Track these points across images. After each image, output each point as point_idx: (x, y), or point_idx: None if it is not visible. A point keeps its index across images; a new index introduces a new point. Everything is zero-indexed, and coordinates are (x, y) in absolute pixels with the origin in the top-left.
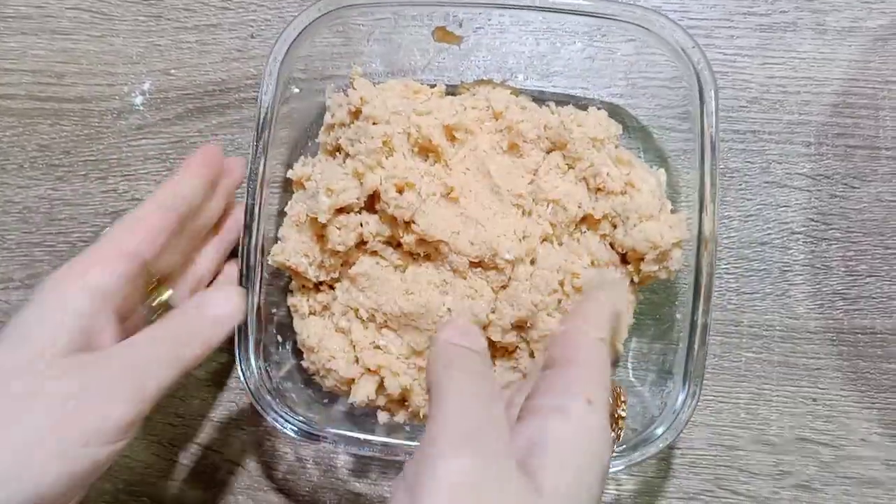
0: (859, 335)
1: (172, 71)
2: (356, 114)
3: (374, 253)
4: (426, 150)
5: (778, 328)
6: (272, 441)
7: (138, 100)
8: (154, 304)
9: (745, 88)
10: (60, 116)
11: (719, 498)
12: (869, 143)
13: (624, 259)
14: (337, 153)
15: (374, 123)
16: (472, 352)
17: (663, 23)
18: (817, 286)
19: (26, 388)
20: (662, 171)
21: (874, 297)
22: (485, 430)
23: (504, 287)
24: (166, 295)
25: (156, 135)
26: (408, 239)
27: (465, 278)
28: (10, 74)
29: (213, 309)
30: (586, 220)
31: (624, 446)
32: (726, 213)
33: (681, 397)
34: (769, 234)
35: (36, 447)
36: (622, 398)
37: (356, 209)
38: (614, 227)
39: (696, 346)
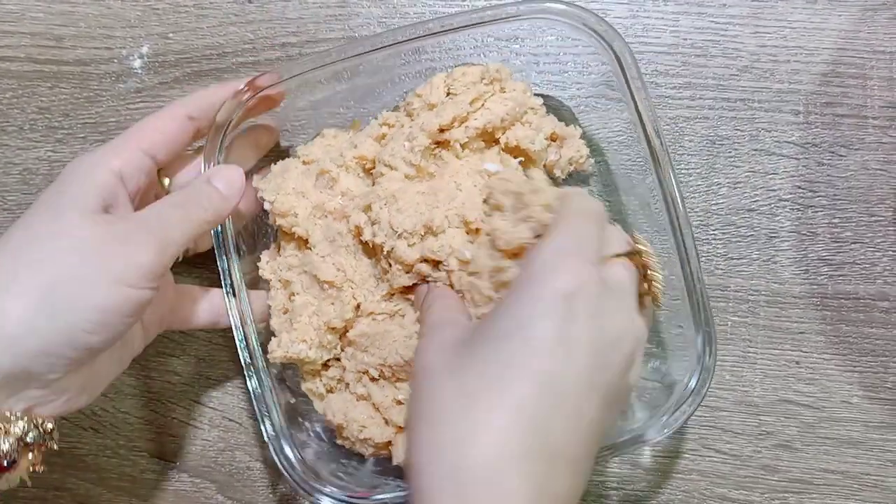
0: (843, 300)
1: (170, 35)
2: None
3: (371, 313)
4: (369, 171)
5: (764, 293)
6: None
7: (137, 63)
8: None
9: (737, 57)
10: (59, 79)
11: (703, 456)
12: (856, 112)
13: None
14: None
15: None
16: None
17: (573, 11)
18: (803, 252)
19: (58, 237)
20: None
21: (858, 264)
22: None
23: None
24: (166, 182)
25: (154, 98)
26: (395, 272)
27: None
28: (9, 37)
29: (220, 182)
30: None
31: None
32: (715, 181)
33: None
34: (757, 200)
35: (65, 283)
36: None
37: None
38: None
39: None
